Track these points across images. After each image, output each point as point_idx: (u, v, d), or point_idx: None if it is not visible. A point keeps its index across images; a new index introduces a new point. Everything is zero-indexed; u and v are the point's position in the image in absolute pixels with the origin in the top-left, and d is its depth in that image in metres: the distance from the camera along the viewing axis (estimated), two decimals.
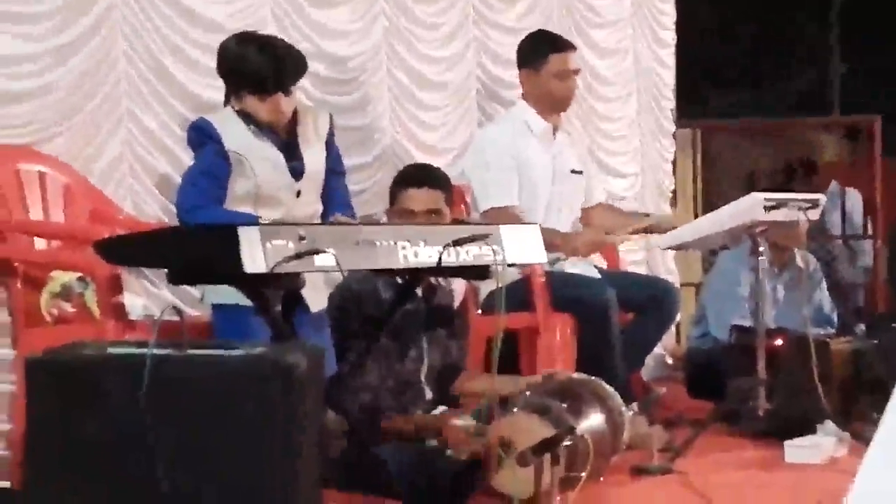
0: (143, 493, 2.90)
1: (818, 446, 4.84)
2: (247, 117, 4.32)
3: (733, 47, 10.81)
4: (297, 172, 4.39)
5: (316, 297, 4.40)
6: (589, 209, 5.96)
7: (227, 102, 4.40)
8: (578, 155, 5.97)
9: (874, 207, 9.38)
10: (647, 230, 5.83)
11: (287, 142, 4.39)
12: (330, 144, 4.54)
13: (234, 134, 4.29)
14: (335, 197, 4.52)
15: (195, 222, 4.20)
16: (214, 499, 2.91)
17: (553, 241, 5.23)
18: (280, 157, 4.35)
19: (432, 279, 4.60)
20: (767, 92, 11.06)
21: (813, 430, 4.97)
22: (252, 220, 4.08)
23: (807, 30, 11.29)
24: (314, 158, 4.45)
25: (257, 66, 4.28)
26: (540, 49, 5.80)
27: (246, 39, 4.39)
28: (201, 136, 4.31)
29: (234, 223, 4.03)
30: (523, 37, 6.01)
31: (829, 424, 5.00)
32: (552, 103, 5.76)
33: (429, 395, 4.67)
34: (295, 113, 4.42)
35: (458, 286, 5.39)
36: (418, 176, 4.85)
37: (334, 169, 4.56)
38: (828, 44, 11.26)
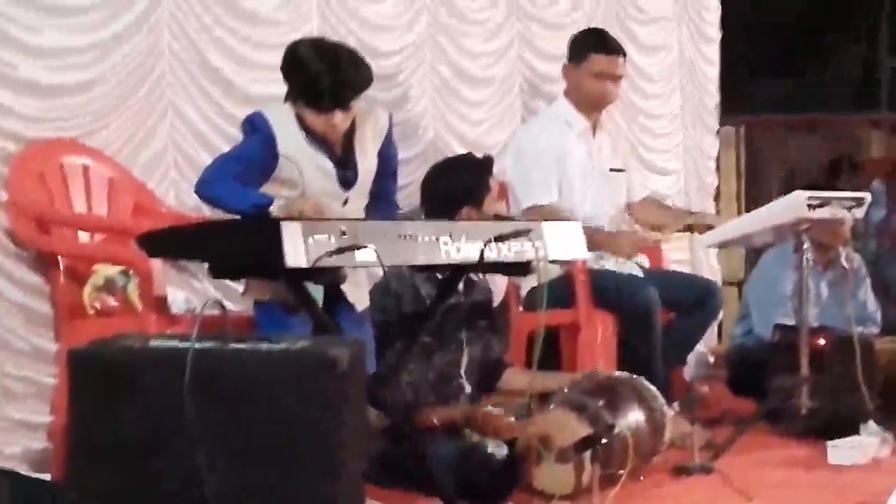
0: (184, 486, 2.91)
1: (861, 447, 4.81)
2: (302, 121, 4.26)
3: (778, 42, 10.72)
4: (347, 182, 4.34)
5: (360, 296, 4.39)
6: (635, 204, 5.95)
7: (287, 99, 4.31)
8: (621, 154, 5.95)
9: None
10: (690, 228, 5.80)
11: (341, 153, 4.33)
12: (387, 145, 4.46)
13: (288, 134, 4.23)
14: (379, 192, 4.48)
15: (209, 194, 4.18)
16: (256, 492, 2.92)
17: (596, 239, 5.22)
18: (331, 167, 4.29)
19: (471, 275, 4.60)
20: (813, 87, 10.96)
21: (856, 431, 4.93)
22: (266, 200, 4.06)
23: (854, 24, 11.19)
24: (367, 167, 4.38)
25: (317, 81, 4.16)
26: (585, 46, 5.79)
27: (315, 48, 4.25)
28: (254, 129, 4.26)
29: (245, 199, 4.05)
30: (568, 32, 6.01)
31: (873, 425, 4.96)
32: (587, 102, 5.74)
33: (468, 389, 4.67)
34: (353, 119, 4.32)
35: (500, 283, 5.38)
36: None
37: (386, 171, 4.48)
38: (877, 38, 11.15)
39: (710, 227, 5.66)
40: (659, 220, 5.82)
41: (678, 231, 5.86)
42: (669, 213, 5.98)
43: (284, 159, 4.21)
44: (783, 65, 10.83)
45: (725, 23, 7.67)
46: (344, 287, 4.27)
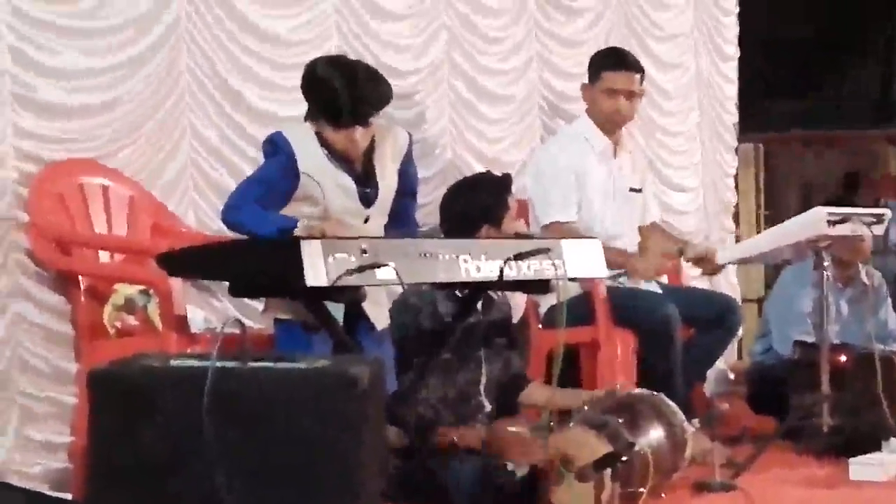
0: None
1: (883, 464, 4.78)
2: (322, 139, 4.29)
3: (795, 59, 10.72)
4: (368, 200, 4.36)
5: (380, 315, 4.39)
6: (641, 228, 5.92)
7: (307, 118, 4.35)
8: (639, 173, 5.94)
9: None
10: (681, 254, 5.78)
11: (362, 171, 4.35)
12: (407, 164, 4.48)
13: (308, 154, 4.25)
14: (399, 211, 4.49)
15: (234, 220, 4.22)
16: None
17: (616, 261, 5.22)
18: (352, 185, 4.31)
19: (489, 292, 4.60)
20: (830, 103, 10.96)
21: (878, 448, 4.91)
22: (291, 224, 4.07)
23: (871, 40, 11.21)
24: (387, 185, 4.40)
25: (336, 97, 4.19)
26: (599, 64, 5.79)
27: (333, 64, 4.30)
28: (275, 149, 4.29)
29: (269, 222, 4.06)
30: (586, 50, 6.01)
31: (894, 442, 4.94)
32: (603, 119, 5.73)
33: (488, 407, 4.66)
34: (373, 136, 4.35)
35: (519, 300, 5.37)
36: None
37: (406, 191, 4.50)
38: (893, 54, 11.16)
39: (700, 258, 5.67)
40: (662, 246, 5.80)
41: (669, 258, 5.83)
42: (671, 240, 5.95)
43: (306, 177, 4.23)
44: (800, 81, 10.83)
45: (743, 40, 7.67)
46: (364, 305, 4.27)
